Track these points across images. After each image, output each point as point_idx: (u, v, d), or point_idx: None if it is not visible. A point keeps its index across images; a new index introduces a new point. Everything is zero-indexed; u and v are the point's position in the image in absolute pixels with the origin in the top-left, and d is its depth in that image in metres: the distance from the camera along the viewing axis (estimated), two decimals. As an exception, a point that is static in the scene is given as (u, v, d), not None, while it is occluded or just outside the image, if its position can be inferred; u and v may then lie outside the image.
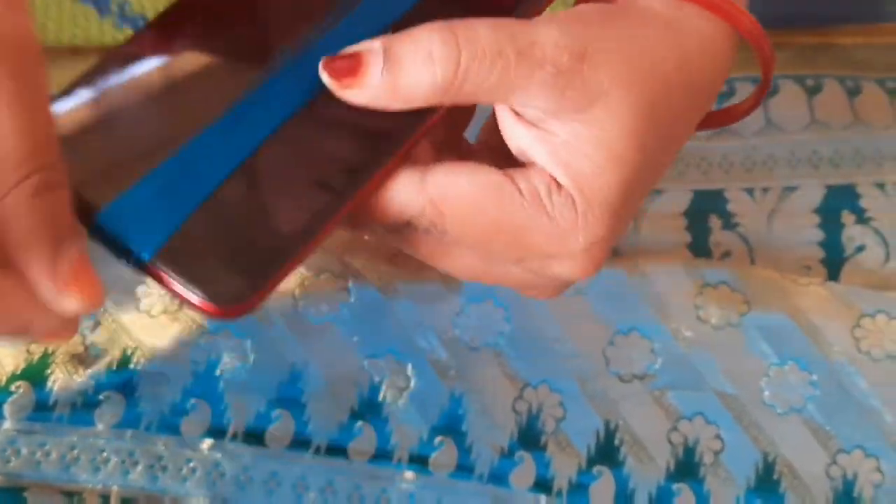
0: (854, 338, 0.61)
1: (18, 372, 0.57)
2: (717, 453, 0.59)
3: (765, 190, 0.67)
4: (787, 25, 0.71)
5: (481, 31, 0.40)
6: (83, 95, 0.40)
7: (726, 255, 0.66)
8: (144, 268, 0.37)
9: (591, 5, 0.44)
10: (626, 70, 0.42)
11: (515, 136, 0.43)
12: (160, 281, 0.37)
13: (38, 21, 0.55)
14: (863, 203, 0.67)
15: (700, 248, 0.65)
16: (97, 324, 0.58)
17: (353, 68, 0.40)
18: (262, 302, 0.38)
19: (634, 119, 0.42)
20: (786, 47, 0.70)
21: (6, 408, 0.56)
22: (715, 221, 0.66)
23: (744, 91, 0.68)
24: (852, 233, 0.67)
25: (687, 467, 0.59)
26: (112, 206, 0.37)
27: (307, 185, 0.40)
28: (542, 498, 0.57)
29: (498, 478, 0.57)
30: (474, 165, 0.42)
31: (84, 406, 0.57)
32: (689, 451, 0.59)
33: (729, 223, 0.66)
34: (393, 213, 0.42)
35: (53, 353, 0.57)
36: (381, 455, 0.57)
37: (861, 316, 0.61)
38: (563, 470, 0.58)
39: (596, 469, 0.58)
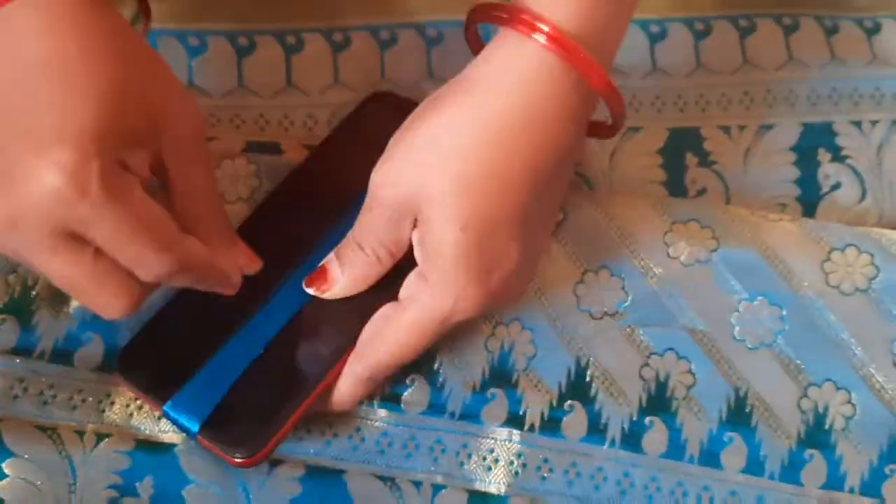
0: (823, 272, 0.61)
1: (1, 306, 0.58)
2: (688, 387, 0.59)
3: (741, 128, 0.68)
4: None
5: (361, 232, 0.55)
6: (159, 324, 0.57)
7: (702, 192, 0.66)
8: (194, 438, 0.54)
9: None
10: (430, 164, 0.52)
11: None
12: (206, 446, 0.54)
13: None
14: (839, 141, 0.68)
15: (676, 185, 0.66)
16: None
17: (322, 277, 0.56)
18: (272, 451, 0.54)
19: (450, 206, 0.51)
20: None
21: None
22: (691, 159, 0.67)
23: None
24: (828, 171, 0.67)
25: (659, 401, 0.59)
26: (173, 399, 0.54)
27: (296, 370, 0.56)
28: (516, 433, 0.58)
29: (469, 415, 0.58)
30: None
31: (66, 344, 0.58)
32: (661, 386, 0.59)
33: (705, 161, 0.67)
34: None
35: (35, 285, 0.58)
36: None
37: (831, 250, 0.61)
38: (535, 405, 0.58)
39: (567, 404, 0.59)
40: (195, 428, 0.54)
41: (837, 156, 0.67)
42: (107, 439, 0.57)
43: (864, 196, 0.66)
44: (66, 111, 0.46)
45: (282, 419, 0.54)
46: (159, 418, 0.57)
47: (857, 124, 0.68)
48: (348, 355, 0.55)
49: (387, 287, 0.55)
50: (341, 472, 0.57)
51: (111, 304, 0.49)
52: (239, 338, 0.56)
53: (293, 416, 0.54)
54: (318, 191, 0.61)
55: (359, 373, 0.55)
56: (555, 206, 0.58)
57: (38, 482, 0.55)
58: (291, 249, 0.58)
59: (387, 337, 0.54)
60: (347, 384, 0.55)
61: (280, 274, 0.58)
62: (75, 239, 0.47)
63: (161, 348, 0.56)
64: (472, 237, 0.51)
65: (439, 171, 0.51)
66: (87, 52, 0.47)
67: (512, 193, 0.51)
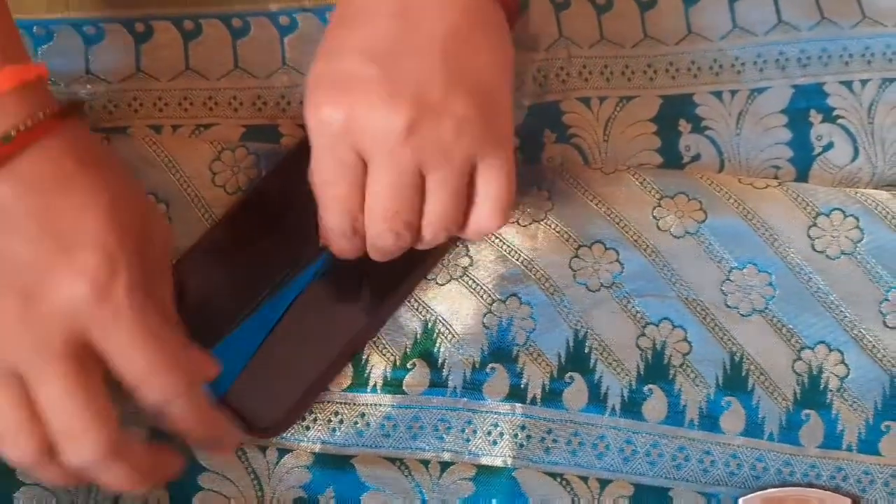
0: (809, 238, 0.62)
1: None
2: (684, 355, 0.61)
3: (733, 92, 0.68)
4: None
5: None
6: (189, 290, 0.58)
7: (696, 158, 0.67)
8: (221, 402, 0.57)
9: None
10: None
11: None
12: (228, 410, 0.57)
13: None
14: (830, 102, 0.68)
15: (670, 152, 0.67)
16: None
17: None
18: (293, 423, 0.59)
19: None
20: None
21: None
22: (684, 125, 0.67)
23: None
24: (820, 131, 0.68)
25: (656, 370, 0.61)
26: None
27: (313, 345, 0.59)
28: (518, 406, 0.60)
29: (471, 391, 0.60)
30: None
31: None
32: (658, 355, 0.61)
33: (698, 127, 0.67)
34: None
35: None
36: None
37: (817, 215, 0.63)
38: (536, 378, 0.60)
39: (568, 376, 0.60)
40: (218, 394, 0.57)
41: (829, 116, 0.68)
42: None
43: (856, 155, 0.67)
44: (87, 218, 0.47)
45: (303, 392, 0.58)
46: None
47: (848, 84, 0.69)
48: (366, 331, 0.60)
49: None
50: (349, 457, 0.59)
51: (91, 430, 0.47)
52: (261, 312, 0.59)
53: (313, 390, 0.59)
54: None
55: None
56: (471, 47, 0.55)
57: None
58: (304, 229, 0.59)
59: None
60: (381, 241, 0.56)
61: (303, 251, 0.60)
62: (84, 355, 0.47)
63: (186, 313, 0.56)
64: (323, 64, 0.54)
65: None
66: (93, 175, 0.49)
67: (360, 25, 0.54)
